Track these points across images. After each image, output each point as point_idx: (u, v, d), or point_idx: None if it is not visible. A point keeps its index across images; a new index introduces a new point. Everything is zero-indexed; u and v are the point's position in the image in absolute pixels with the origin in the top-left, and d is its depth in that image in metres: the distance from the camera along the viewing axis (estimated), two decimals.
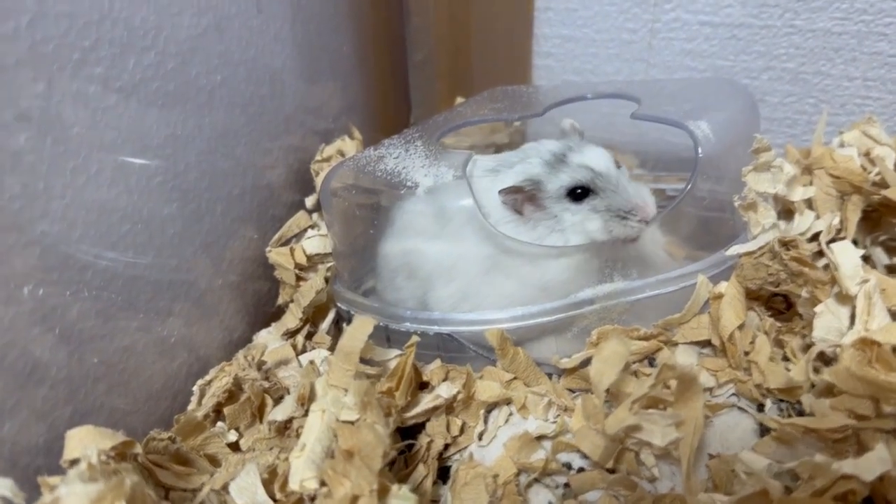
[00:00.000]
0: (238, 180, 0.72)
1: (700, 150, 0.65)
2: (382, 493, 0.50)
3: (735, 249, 0.65)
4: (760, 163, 0.67)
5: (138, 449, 0.54)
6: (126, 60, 0.58)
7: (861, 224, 0.79)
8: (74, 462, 0.49)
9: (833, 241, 0.67)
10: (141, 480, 0.47)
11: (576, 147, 0.67)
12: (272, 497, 0.53)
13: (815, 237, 0.72)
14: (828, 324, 0.61)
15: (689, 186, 0.65)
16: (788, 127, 0.90)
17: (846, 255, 0.62)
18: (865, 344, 0.56)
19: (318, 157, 0.81)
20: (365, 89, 0.93)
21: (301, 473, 0.52)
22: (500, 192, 0.63)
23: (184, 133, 0.65)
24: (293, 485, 0.52)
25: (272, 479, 0.54)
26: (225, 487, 0.55)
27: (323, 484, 0.50)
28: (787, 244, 0.62)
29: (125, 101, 0.58)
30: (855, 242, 0.79)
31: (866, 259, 0.77)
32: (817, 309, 0.61)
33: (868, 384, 0.52)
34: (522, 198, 0.64)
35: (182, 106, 0.64)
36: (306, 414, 0.56)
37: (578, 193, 0.64)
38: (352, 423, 0.53)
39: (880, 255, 0.77)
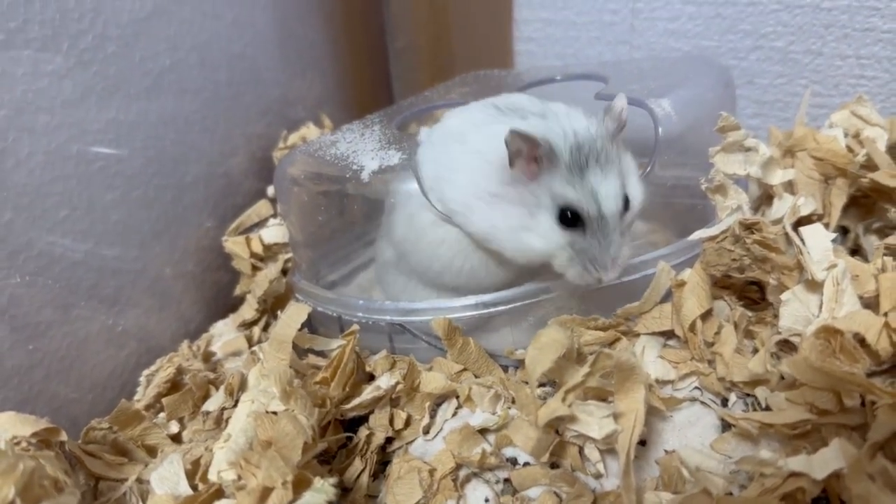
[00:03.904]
0: (190, 167, 0.70)
1: (660, 129, 0.61)
2: (301, 485, 0.47)
3: (698, 234, 0.61)
4: (729, 143, 0.63)
5: (64, 436, 0.53)
6: (59, 43, 0.57)
7: (853, 211, 0.74)
8: None
9: (801, 223, 0.62)
10: (41, 466, 0.45)
11: (603, 159, 0.54)
12: (194, 488, 0.51)
13: (797, 224, 0.68)
14: (795, 312, 0.57)
15: (649, 168, 0.61)
16: (780, 110, 0.85)
17: (816, 239, 0.58)
18: (828, 333, 0.52)
19: (280, 145, 0.79)
20: (341, 78, 0.91)
21: (220, 464, 0.50)
22: (513, 131, 0.51)
23: (127, 118, 0.63)
24: (212, 475, 0.50)
25: (195, 469, 0.52)
26: None
27: (239, 481, 0.49)
28: (750, 227, 0.58)
29: (58, 85, 0.57)
30: (846, 230, 0.75)
31: (857, 249, 0.73)
32: (784, 297, 0.57)
33: (827, 376, 0.48)
34: (530, 155, 0.53)
35: (125, 91, 0.63)
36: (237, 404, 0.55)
37: (568, 217, 0.54)
38: (276, 413, 0.51)
39: (874, 243, 0.72)
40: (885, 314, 0.53)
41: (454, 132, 0.61)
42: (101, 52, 0.60)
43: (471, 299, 0.63)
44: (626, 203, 0.55)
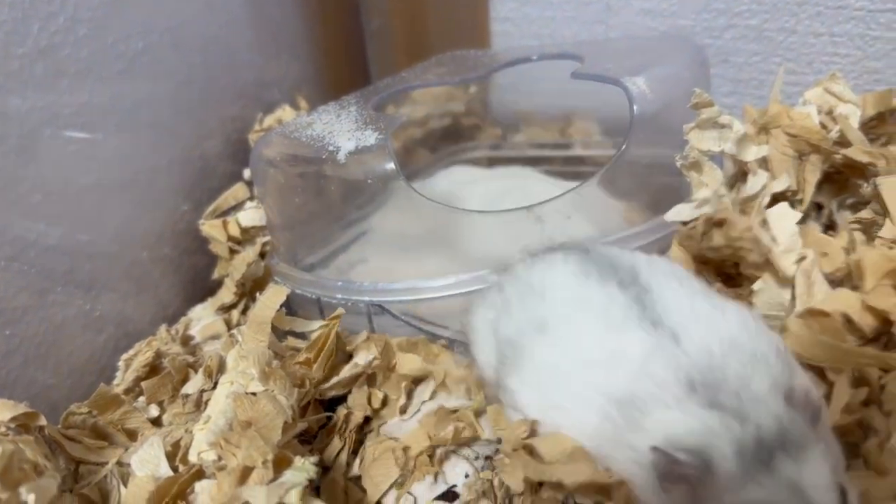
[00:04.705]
0: (165, 151, 0.70)
1: (635, 107, 0.62)
2: (281, 464, 0.48)
3: (671, 215, 0.62)
4: (703, 119, 0.64)
5: (43, 421, 0.53)
6: (29, 26, 0.56)
7: (827, 187, 0.75)
8: None
9: (776, 200, 0.63)
10: (20, 450, 0.45)
11: (791, 424, 0.37)
12: (174, 469, 0.51)
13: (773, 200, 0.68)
14: (768, 300, 0.57)
15: (625, 145, 0.62)
16: (755, 88, 0.86)
17: (783, 223, 0.58)
18: (813, 314, 0.53)
19: (256, 127, 0.79)
20: (317, 60, 0.91)
21: (201, 445, 0.50)
22: (656, 450, 0.36)
23: (100, 102, 0.63)
24: (192, 457, 0.50)
25: (176, 451, 0.52)
26: None
27: (219, 462, 0.49)
28: (719, 223, 0.59)
29: (29, 68, 0.57)
30: (820, 206, 0.76)
31: (831, 225, 0.74)
32: (756, 286, 0.58)
33: (831, 350, 0.49)
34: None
35: (97, 74, 0.62)
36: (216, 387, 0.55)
37: None
38: (255, 394, 0.51)
39: (847, 219, 0.73)
40: (866, 292, 0.54)
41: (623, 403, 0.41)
42: (73, 35, 0.60)
43: (450, 279, 0.63)
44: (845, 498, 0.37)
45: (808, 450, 0.37)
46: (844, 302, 0.51)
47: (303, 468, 0.48)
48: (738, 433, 0.36)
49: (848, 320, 0.51)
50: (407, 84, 0.75)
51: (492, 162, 0.94)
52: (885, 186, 0.64)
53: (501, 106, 0.95)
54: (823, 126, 0.74)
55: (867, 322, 0.51)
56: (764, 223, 0.59)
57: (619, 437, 0.40)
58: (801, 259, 0.56)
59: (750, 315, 0.46)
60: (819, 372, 0.50)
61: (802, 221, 0.68)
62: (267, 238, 0.73)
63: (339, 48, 0.94)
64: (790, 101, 0.81)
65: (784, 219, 0.58)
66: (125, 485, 0.51)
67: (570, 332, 0.46)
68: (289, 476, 0.47)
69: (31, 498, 0.43)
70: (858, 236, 0.58)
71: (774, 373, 0.40)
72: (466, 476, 0.53)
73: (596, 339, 0.45)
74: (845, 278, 0.56)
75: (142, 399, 0.62)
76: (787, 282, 0.56)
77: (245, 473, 0.47)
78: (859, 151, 0.71)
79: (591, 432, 0.42)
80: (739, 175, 0.73)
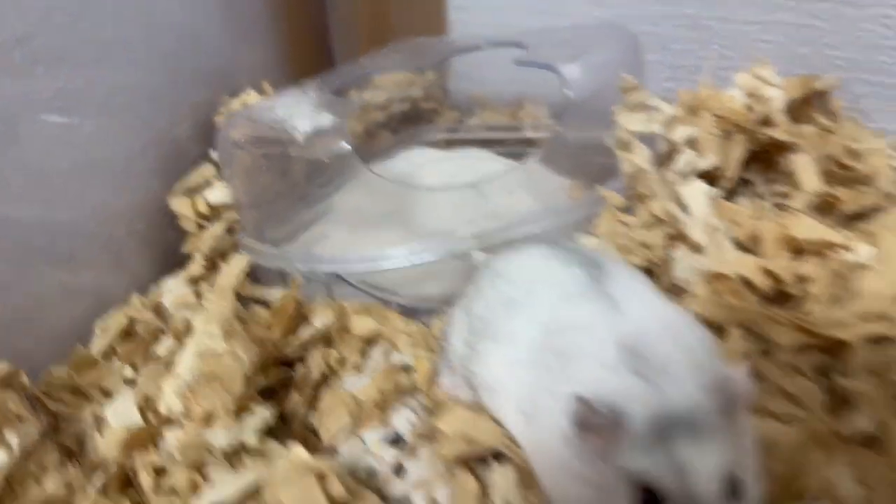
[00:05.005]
0: (138, 134, 0.75)
1: (569, 92, 0.67)
2: (242, 412, 0.54)
3: (603, 191, 0.68)
4: (631, 102, 0.70)
5: (24, 379, 0.58)
6: (6, 15, 0.61)
7: (755, 166, 0.81)
8: None
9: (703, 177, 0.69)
10: (3, 400, 0.51)
11: (700, 429, 0.40)
12: (146, 420, 0.57)
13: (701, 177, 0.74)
14: (685, 266, 0.63)
15: (559, 126, 0.68)
16: (692, 73, 0.91)
17: (697, 198, 0.64)
18: (717, 277, 0.59)
19: (223, 111, 0.84)
20: (282, 48, 0.96)
21: (169, 397, 0.56)
22: (579, 399, 0.41)
23: (75, 87, 0.68)
24: (162, 408, 0.56)
25: (147, 405, 0.58)
26: None
27: (187, 413, 0.55)
28: (641, 197, 0.65)
29: (8, 55, 0.61)
30: (747, 182, 0.82)
31: (761, 197, 0.80)
32: (672, 254, 0.64)
33: (732, 310, 0.55)
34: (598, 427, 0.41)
35: (72, 61, 0.67)
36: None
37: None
38: (218, 352, 0.57)
39: (767, 192, 0.80)
40: (764, 257, 0.60)
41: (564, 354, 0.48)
42: (49, 23, 0.64)
43: (403, 250, 0.69)
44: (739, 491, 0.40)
45: (708, 437, 0.40)
46: (744, 266, 0.57)
47: (260, 415, 0.54)
48: (651, 403, 0.40)
49: (747, 283, 0.57)
50: (364, 70, 0.80)
51: (449, 144, 0.99)
52: (798, 162, 0.70)
53: (458, 91, 1.01)
54: (750, 108, 0.80)
55: (765, 284, 0.57)
56: (679, 198, 0.65)
57: (553, 386, 0.46)
58: (711, 229, 0.62)
59: (687, 314, 0.51)
60: (720, 330, 0.56)
61: (729, 197, 0.75)
62: (233, 215, 0.79)
63: (303, 37, 0.99)
64: (725, 86, 0.87)
65: (697, 193, 0.65)
66: (101, 434, 0.56)
67: (532, 303, 0.52)
68: (247, 421, 0.53)
69: (14, 440, 0.48)
70: (767, 206, 0.65)
71: (698, 362, 0.44)
72: (410, 423, 0.59)
73: (553, 308, 0.51)
74: (753, 245, 0.63)
75: (117, 362, 0.67)
76: (698, 249, 0.62)
77: (209, 420, 0.53)
78: (781, 131, 0.77)
79: (532, 381, 0.48)
80: (670, 154, 0.79)
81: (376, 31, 1.02)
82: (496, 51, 0.87)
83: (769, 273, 0.57)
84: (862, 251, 0.55)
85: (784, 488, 0.47)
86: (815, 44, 0.87)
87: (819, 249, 0.57)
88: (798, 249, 0.59)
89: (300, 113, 0.70)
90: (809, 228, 0.57)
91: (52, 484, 0.49)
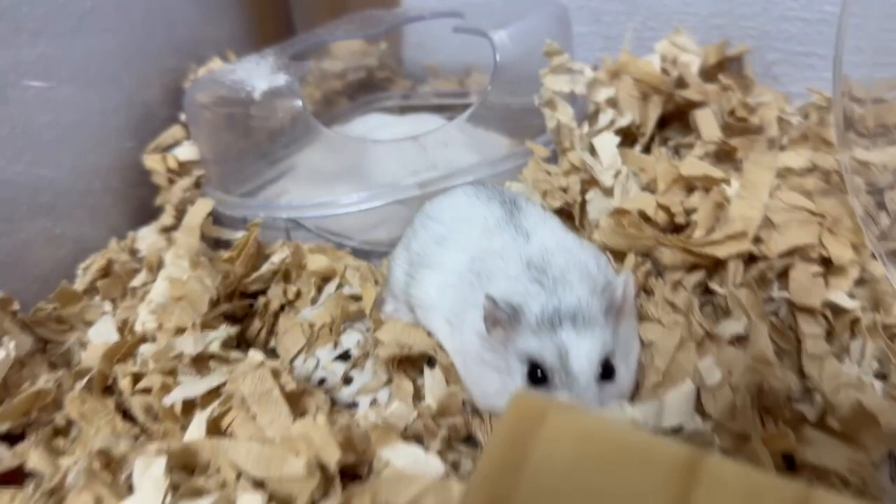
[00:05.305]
0: (112, 97, 0.83)
1: (498, 56, 0.76)
2: (207, 328, 0.62)
3: (530, 144, 0.77)
4: (555, 65, 0.78)
5: (16, 306, 0.66)
6: None
7: (674, 124, 0.91)
8: None
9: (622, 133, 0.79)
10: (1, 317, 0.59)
11: (582, 322, 0.50)
12: (123, 339, 0.65)
13: (626, 134, 0.83)
14: (598, 206, 0.72)
15: (488, 87, 0.76)
16: (621, 43, 1.00)
17: (607, 148, 0.74)
18: (619, 213, 0.68)
19: (190, 77, 0.92)
20: (246, 19, 1.04)
21: (144, 317, 0.64)
22: (488, 297, 0.51)
23: (54, 54, 0.75)
24: (138, 327, 0.64)
25: (125, 326, 0.66)
26: None
27: (160, 326, 0.63)
28: (564, 150, 0.74)
29: None
30: (667, 140, 0.91)
31: (676, 150, 0.89)
32: (587, 196, 0.73)
33: (628, 237, 0.65)
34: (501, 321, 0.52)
35: (52, 30, 0.75)
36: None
37: (537, 376, 0.51)
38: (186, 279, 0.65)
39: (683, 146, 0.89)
40: (659, 194, 0.69)
41: (482, 274, 0.58)
42: None
43: (353, 197, 0.77)
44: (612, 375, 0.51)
45: (588, 329, 0.50)
46: (643, 202, 0.67)
47: (224, 331, 0.63)
48: (543, 302, 0.52)
49: (645, 216, 0.66)
50: (319, 38, 0.88)
51: (403, 110, 1.08)
52: (700, 116, 0.79)
53: (411, 61, 1.10)
54: (665, 72, 0.90)
55: (659, 216, 0.66)
56: (593, 148, 0.74)
57: (474, 299, 0.56)
58: (617, 174, 0.71)
59: (585, 241, 0.63)
60: (622, 255, 0.66)
61: (647, 150, 0.84)
62: (201, 171, 0.86)
63: (266, 10, 1.07)
64: (650, 54, 0.96)
65: (607, 145, 0.74)
66: (84, 351, 0.65)
67: (459, 237, 0.63)
68: (212, 335, 0.61)
69: (11, 346, 0.56)
70: (665, 152, 0.74)
71: (588, 274, 0.55)
72: (358, 342, 0.67)
73: (476, 240, 0.62)
74: (654, 186, 0.72)
75: (97, 298, 0.75)
76: (608, 192, 0.71)
77: (178, 332, 0.61)
78: (695, 92, 0.86)
79: (458, 297, 0.59)
80: (595, 113, 0.88)
81: (335, 6, 1.09)
82: (445, 23, 0.95)
83: (663, 207, 0.66)
84: (736, 184, 0.64)
85: (664, 377, 0.56)
86: (730, 15, 0.96)
87: (705, 185, 0.66)
88: (690, 187, 0.68)
89: (258, 74, 0.78)
90: (694, 167, 0.66)
91: (42, 383, 0.57)
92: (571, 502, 0.34)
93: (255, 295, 0.73)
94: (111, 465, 0.52)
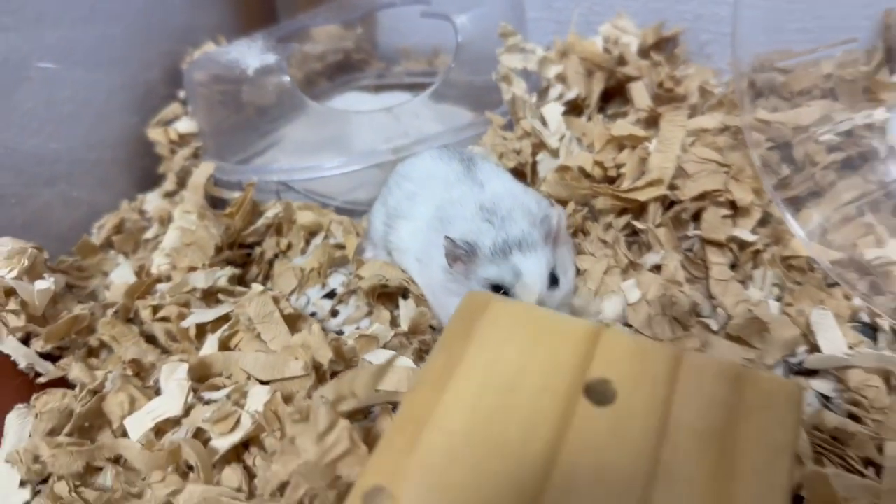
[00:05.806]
0: (118, 76, 0.93)
1: (459, 37, 0.88)
2: (214, 268, 0.73)
3: (489, 115, 0.88)
4: (509, 45, 0.90)
5: (47, 255, 0.77)
6: None
7: (619, 99, 1.03)
8: None
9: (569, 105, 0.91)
10: (40, 256, 0.70)
11: (527, 247, 0.63)
12: (141, 280, 0.76)
13: (574, 106, 0.95)
14: (546, 166, 0.84)
15: (451, 65, 0.88)
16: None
17: (553, 116, 0.86)
18: (562, 169, 0.80)
19: (186, 59, 1.02)
20: (234, 8, 1.14)
21: (158, 259, 0.75)
22: (447, 238, 0.63)
23: (69, 39, 0.85)
24: (153, 270, 0.75)
25: (141, 270, 0.77)
26: None
27: (173, 267, 0.74)
28: (518, 119, 0.86)
29: (22, 11, 0.79)
30: (607, 110, 1.03)
31: (614, 118, 1.00)
32: (537, 158, 0.85)
33: (569, 188, 0.77)
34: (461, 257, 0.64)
35: (67, 17, 0.85)
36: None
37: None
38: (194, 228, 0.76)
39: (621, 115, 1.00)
40: (596, 152, 0.82)
41: (444, 219, 0.69)
42: None
43: (336, 161, 0.88)
44: (557, 283, 0.64)
45: (534, 252, 0.63)
46: (582, 160, 0.79)
47: (229, 271, 0.74)
48: (494, 236, 0.64)
49: (583, 171, 0.79)
50: (302, 23, 0.99)
51: (378, 88, 1.19)
52: (633, 89, 0.91)
53: (386, 44, 1.21)
54: (607, 51, 1.02)
55: (595, 171, 0.78)
56: (542, 117, 0.86)
57: (438, 240, 0.67)
58: (562, 138, 0.83)
59: (531, 188, 0.76)
60: (564, 203, 0.78)
61: (589, 119, 0.96)
62: (199, 143, 0.97)
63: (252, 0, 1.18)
64: (595, 36, 1.08)
65: (554, 113, 0.86)
66: (108, 290, 0.76)
67: (426, 192, 0.75)
68: (219, 272, 0.73)
69: (51, 281, 0.67)
70: (600, 118, 0.86)
71: (529, 210, 0.67)
72: (342, 283, 0.79)
73: (438, 192, 0.73)
74: (592, 148, 0.84)
75: (112, 252, 0.86)
76: (555, 153, 0.83)
77: (191, 270, 0.72)
78: (633, 69, 0.99)
79: (426, 239, 0.71)
80: (546, 88, 1.00)
81: None
82: (414, 9, 1.06)
83: (598, 163, 0.78)
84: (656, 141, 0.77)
85: (595, 296, 0.68)
86: (667, 0, 1.09)
87: (632, 143, 0.78)
88: (620, 146, 0.80)
89: (250, 54, 0.88)
90: (623, 128, 0.78)
91: (78, 310, 0.68)
92: (506, 361, 0.46)
93: (251, 246, 0.84)
94: (141, 373, 0.63)
